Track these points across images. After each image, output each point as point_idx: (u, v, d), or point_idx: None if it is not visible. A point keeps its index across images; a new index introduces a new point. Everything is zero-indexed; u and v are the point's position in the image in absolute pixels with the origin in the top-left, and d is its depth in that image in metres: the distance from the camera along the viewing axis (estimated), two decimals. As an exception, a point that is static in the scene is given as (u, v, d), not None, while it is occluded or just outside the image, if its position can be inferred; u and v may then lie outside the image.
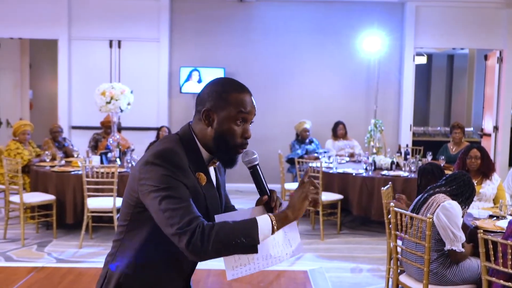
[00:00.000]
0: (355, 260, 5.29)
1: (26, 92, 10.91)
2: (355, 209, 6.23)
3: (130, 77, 8.79)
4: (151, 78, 8.91)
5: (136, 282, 1.76)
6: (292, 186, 6.96)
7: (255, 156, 1.78)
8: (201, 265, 4.87)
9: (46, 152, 6.57)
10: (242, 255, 1.69)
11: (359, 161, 7.13)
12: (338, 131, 8.03)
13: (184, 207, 1.60)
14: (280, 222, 1.65)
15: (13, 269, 4.82)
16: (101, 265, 4.76)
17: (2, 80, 9.81)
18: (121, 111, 6.61)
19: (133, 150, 6.82)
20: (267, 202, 1.80)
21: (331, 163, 6.77)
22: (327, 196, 6.15)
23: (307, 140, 7.77)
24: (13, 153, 6.42)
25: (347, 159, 7.50)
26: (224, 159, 1.77)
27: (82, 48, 8.92)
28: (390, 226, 3.70)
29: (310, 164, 6.55)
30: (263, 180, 1.79)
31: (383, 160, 6.70)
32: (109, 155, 6.65)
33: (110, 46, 8.91)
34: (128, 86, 6.85)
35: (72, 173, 5.94)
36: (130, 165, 6.22)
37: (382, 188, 4.20)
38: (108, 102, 6.44)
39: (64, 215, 5.89)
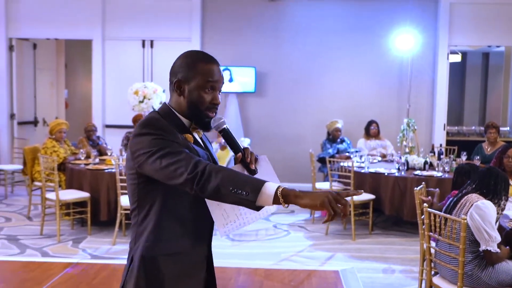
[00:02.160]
0: (387, 260, 5.24)
1: (62, 91, 11.15)
2: (387, 209, 6.17)
3: (162, 76, 8.88)
4: (183, 77, 8.97)
5: (158, 253, 1.82)
6: (323, 185, 6.93)
7: (222, 120, 1.88)
8: (232, 264, 4.91)
9: (81, 150, 6.70)
10: (230, 212, 1.78)
11: (392, 161, 7.05)
12: (371, 130, 7.95)
13: (185, 157, 1.68)
14: (287, 197, 1.61)
15: (49, 264, 4.94)
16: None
17: (39, 79, 10.04)
18: (154, 110, 6.71)
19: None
20: (242, 159, 1.88)
21: (363, 162, 6.71)
22: (358, 196, 6.09)
23: (339, 139, 7.72)
24: (50, 151, 6.57)
25: (379, 158, 7.42)
26: (198, 124, 1.89)
27: (115, 48, 9.07)
28: (424, 226, 3.65)
29: (342, 164, 6.51)
30: (234, 140, 1.89)
31: (416, 160, 6.61)
32: (142, 153, 6.72)
33: (143, 45, 9.02)
34: (160, 85, 6.94)
35: (106, 171, 6.04)
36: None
37: (415, 188, 4.14)
38: (141, 101, 6.54)
39: (98, 212, 6.00)
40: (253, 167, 1.87)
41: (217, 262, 5.15)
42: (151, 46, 9.01)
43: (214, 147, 7.01)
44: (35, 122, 9.96)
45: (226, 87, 8.69)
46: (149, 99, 6.53)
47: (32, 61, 9.82)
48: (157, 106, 6.64)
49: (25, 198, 7.73)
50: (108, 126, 9.15)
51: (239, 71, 8.70)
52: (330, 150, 7.57)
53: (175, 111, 1.88)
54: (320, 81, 8.98)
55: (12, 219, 6.66)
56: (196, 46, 8.88)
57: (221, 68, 1.91)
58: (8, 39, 9.14)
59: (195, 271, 1.92)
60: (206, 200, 1.77)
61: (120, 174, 5.57)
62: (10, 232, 6.06)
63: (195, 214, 1.83)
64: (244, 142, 7.42)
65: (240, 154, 1.88)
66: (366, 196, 6.15)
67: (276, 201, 1.60)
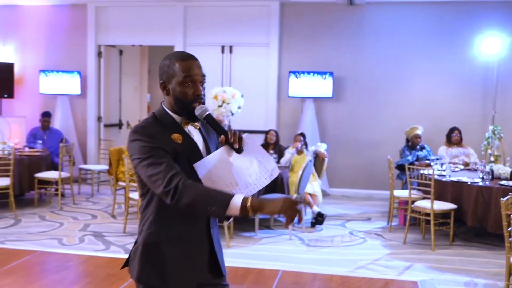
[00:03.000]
0: (469, 273, 5.03)
1: (145, 95, 11.61)
2: (469, 219, 5.92)
3: (240, 81, 9.04)
4: (260, 82, 9.10)
5: (159, 239, 2.00)
6: (402, 193, 6.77)
7: (204, 108, 2.01)
8: (308, 269, 4.90)
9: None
10: (226, 190, 1.93)
11: (475, 170, 6.77)
12: (453, 137, 7.67)
13: (163, 169, 1.87)
14: (253, 207, 1.79)
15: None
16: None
17: (124, 84, 10.52)
18: (232, 114, 6.83)
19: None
20: (226, 140, 2.00)
21: (444, 170, 6.49)
22: (439, 205, 5.91)
23: (418, 146, 7.51)
24: (133, 153, 6.84)
25: (461, 167, 7.15)
26: (187, 116, 2.04)
27: (195, 54, 9.15)
28: (511, 239, 3.48)
29: (422, 171, 6.33)
30: (218, 124, 2.03)
31: (502, 169, 6.30)
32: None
33: (222, 51, 9.22)
34: (238, 90, 7.06)
35: (186, 173, 6.21)
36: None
37: (502, 198, 3.96)
38: (220, 106, 6.68)
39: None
40: (236, 146, 1.99)
41: (291, 267, 5.20)
42: (230, 51, 9.19)
43: (291, 151, 7.03)
44: (119, 125, 10.44)
45: (303, 91, 8.70)
46: (227, 104, 6.66)
47: (118, 67, 10.30)
48: (235, 111, 6.76)
49: (110, 197, 8.12)
50: (187, 130, 9.40)
51: (316, 77, 8.69)
52: (410, 157, 7.38)
53: (168, 110, 2.06)
54: (399, 86, 8.79)
55: (97, 217, 7.01)
56: (274, 52, 8.97)
57: (199, 63, 2.04)
58: (97, 46, 9.65)
59: (197, 252, 2.05)
60: (203, 181, 1.96)
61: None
62: (96, 229, 6.39)
63: (196, 210, 1.95)
64: (320, 147, 7.39)
65: (223, 136, 2.01)
66: (447, 206, 5.94)
67: (243, 212, 1.78)
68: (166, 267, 2.01)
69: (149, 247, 2.02)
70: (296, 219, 1.79)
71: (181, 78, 1.99)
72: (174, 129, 2.02)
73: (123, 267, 2.15)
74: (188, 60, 2.01)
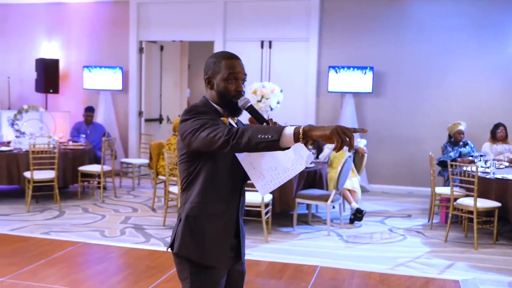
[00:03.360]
0: (513, 273, 4.89)
1: (185, 90, 11.73)
2: (514, 218, 5.75)
3: (279, 76, 9.03)
4: (299, 77, 9.06)
5: (200, 213, 2.19)
6: (444, 190, 6.63)
7: (246, 99, 2.19)
8: (346, 266, 4.86)
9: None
10: (266, 173, 2.11)
11: (521, 167, 6.56)
12: (498, 134, 7.46)
13: (221, 126, 2.02)
14: (305, 130, 1.87)
15: (171, 254, 5.21)
16: (250, 257, 4.96)
17: (164, 79, 10.66)
18: (271, 109, 6.82)
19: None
20: None
21: (488, 167, 6.31)
22: (482, 203, 5.76)
23: (461, 143, 7.33)
24: (173, 147, 6.94)
25: (506, 164, 6.93)
26: (229, 110, 2.23)
27: (235, 49, 9.35)
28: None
29: (464, 168, 6.18)
30: (259, 113, 2.19)
31: (549, 166, 6.09)
32: (259, 151, 6.88)
33: (262, 46, 9.23)
34: (278, 85, 7.05)
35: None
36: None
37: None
38: (259, 101, 6.69)
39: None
40: None
41: (330, 263, 5.16)
42: (270, 46, 9.18)
43: (330, 147, 6.98)
44: (160, 120, 10.59)
45: (343, 87, 8.62)
46: (266, 99, 6.66)
47: (159, 62, 10.44)
48: (274, 106, 6.76)
49: (150, 191, 8.26)
50: (226, 125, 9.46)
51: (357, 72, 8.59)
52: (452, 154, 7.21)
53: (211, 102, 2.24)
54: (442, 81, 8.59)
55: (138, 210, 7.14)
56: (313, 47, 8.91)
57: (242, 62, 2.23)
58: (138, 42, 9.81)
59: (227, 231, 2.25)
60: (243, 165, 2.14)
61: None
62: (136, 221, 6.51)
63: (231, 183, 2.22)
64: (360, 143, 7.31)
65: (265, 124, 2.14)
66: (491, 204, 5.79)
67: (296, 138, 1.87)
68: (205, 243, 2.20)
69: (191, 220, 2.20)
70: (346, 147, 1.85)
71: (225, 74, 2.18)
72: (218, 116, 2.20)
73: (168, 247, 2.30)
74: (233, 59, 2.21)
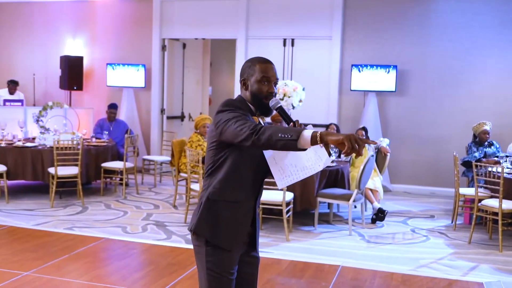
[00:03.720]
0: (539, 277, 4.79)
1: (206, 88, 11.76)
2: (541, 220, 5.63)
3: (302, 74, 8.99)
4: (322, 76, 9.01)
5: (220, 198, 2.36)
6: (468, 191, 6.53)
7: (277, 100, 2.40)
8: (368, 266, 4.82)
9: (223, 145, 7.00)
10: (286, 169, 2.31)
11: (548, 168, 6.42)
12: (523, 134, 7.31)
13: (249, 122, 2.18)
14: (322, 135, 2.01)
15: (192, 251, 5.23)
16: (271, 255, 4.96)
17: (187, 77, 10.70)
18: (293, 107, 6.80)
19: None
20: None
21: (514, 168, 6.20)
22: (507, 204, 5.65)
23: (486, 143, 7.20)
24: (195, 145, 6.97)
25: (533, 165, 6.80)
26: (261, 109, 2.42)
27: (257, 47, 9.35)
28: None
29: (490, 169, 6.08)
30: (288, 115, 2.39)
31: None
32: (280, 150, 6.86)
33: (284, 44, 9.20)
34: (300, 83, 7.02)
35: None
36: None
37: None
38: (281, 99, 6.67)
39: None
40: None
41: (351, 263, 5.13)
42: (292, 44, 9.15)
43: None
44: (181, 117, 10.63)
45: (365, 85, 8.55)
46: (289, 97, 6.64)
47: (181, 60, 10.49)
48: (296, 104, 6.73)
49: (172, 188, 8.30)
50: (248, 123, 9.45)
51: (379, 70, 8.51)
52: (477, 154, 7.10)
53: (246, 101, 2.43)
54: (467, 80, 8.46)
55: (159, 207, 7.19)
56: (336, 45, 8.85)
57: (275, 67, 2.43)
58: (161, 40, 9.86)
59: (244, 219, 2.42)
60: (267, 159, 2.33)
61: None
62: (158, 218, 6.55)
63: (252, 175, 2.39)
64: (383, 142, 7.24)
65: (292, 124, 2.35)
66: (516, 205, 5.68)
67: (313, 141, 2.01)
68: (220, 225, 2.36)
69: (210, 203, 2.37)
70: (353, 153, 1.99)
71: (259, 77, 2.38)
72: (251, 114, 2.41)
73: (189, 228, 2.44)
74: (266, 63, 2.42)
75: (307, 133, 2.03)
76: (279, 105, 2.39)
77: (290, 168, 2.32)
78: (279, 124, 7.45)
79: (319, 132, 2.02)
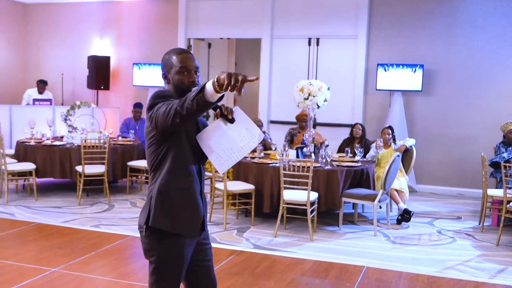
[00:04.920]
0: None
1: (231, 88, 11.79)
2: None
3: (327, 73, 8.95)
4: (347, 75, 8.96)
5: (171, 188, 2.40)
6: (496, 192, 6.42)
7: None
8: (393, 267, 4.77)
9: (248, 144, 7.02)
10: (223, 154, 2.40)
11: None
12: (554, 135, 7.15)
13: (174, 101, 2.21)
14: (216, 79, 2.10)
15: (216, 250, 5.26)
16: (295, 255, 4.94)
17: (212, 76, 10.74)
18: (318, 107, 6.77)
19: (327, 145, 6.92)
20: (221, 113, 2.41)
21: (544, 169, 6.07)
22: (537, 206, 5.54)
23: (515, 143, 7.07)
24: (219, 144, 6.99)
25: None
26: None
27: (282, 46, 9.34)
28: None
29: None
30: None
31: None
32: (305, 149, 6.86)
33: (309, 43, 9.17)
34: (325, 83, 6.98)
35: (270, 165, 6.26)
36: (324, 160, 6.35)
37: None
38: (306, 98, 6.64)
39: (261, 204, 6.24)
40: (230, 117, 2.39)
41: (376, 264, 5.08)
42: (317, 44, 9.11)
43: (376, 146, 6.86)
44: (206, 116, 10.68)
45: (391, 85, 8.46)
46: (314, 96, 6.61)
47: (207, 60, 10.55)
48: (321, 104, 6.71)
49: (196, 187, 8.34)
50: (272, 122, 9.48)
51: (406, 70, 8.42)
52: (505, 154, 6.97)
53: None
54: (495, 79, 8.31)
55: (185, 205, 7.23)
56: (362, 44, 8.79)
57: (193, 56, 2.45)
58: (187, 39, 9.93)
59: (195, 202, 2.47)
60: (203, 149, 2.42)
61: (284, 169, 5.73)
62: (183, 217, 6.59)
63: (194, 161, 2.45)
64: (408, 141, 7.15)
65: (218, 110, 2.40)
66: (546, 207, 5.56)
67: (214, 87, 2.08)
68: (176, 214, 2.41)
69: (162, 195, 2.39)
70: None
71: (178, 68, 2.40)
72: None
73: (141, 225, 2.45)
74: (183, 53, 2.44)
75: (208, 83, 2.12)
76: None
77: (227, 152, 2.40)
78: (303, 124, 7.45)
79: (215, 78, 2.13)
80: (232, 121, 2.39)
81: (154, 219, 2.39)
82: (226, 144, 2.40)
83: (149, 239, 2.42)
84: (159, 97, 2.35)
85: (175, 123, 2.21)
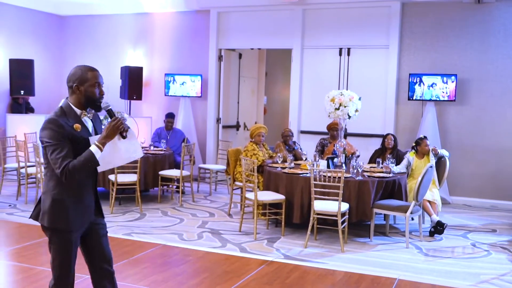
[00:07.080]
0: None
1: (261, 98, 11.84)
2: None
3: (358, 83, 8.91)
4: (378, 85, 8.89)
5: (63, 194, 2.86)
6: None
7: (107, 104, 2.96)
8: (426, 280, 4.63)
9: (278, 154, 7.04)
10: (111, 161, 2.98)
11: None
12: None
13: (62, 156, 2.74)
14: (102, 143, 2.81)
15: (247, 259, 5.28)
16: (325, 266, 4.91)
17: (242, 87, 10.82)
18: (349, 117, 6.73)
19: (358, 156, 6.87)
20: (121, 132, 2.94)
21: None
22: None
23: (553, 155, 6.89)
24: (250, 154, 7.02)
25: None
26: (94, 108, 2.96)
27: (313, 56, 9.34)
28: None
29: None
30: (113, 112, 2.96)
31: None
32: (335, 160, 6.83)
33: (340, 53, 9.15)
34: (356, 93, 6.95)
35: (301, 175, 6.25)
36: (355, 170, 6.30)
37: None
38: (337, 109, 6.61)
39: (291, 215, 6.23)
40: (124, 134, 2.93)
41: (409, 276, 5.01)
42: (348, 54, 9.09)
43: (409, 157, 6.77)
44: (237, 126, 10.74)
45: (423, 94, 8.36)
46: (345, 107, 6.58)
47: (237, 70, 10.62)
48: (352, 114, 6.67)
49: (226, 196, 8.38)
50: (303, 132, 9.46)
51: (438, 79, 8.31)
52: (542, 166, 6.80)
53: (72, 106, 2.91)
54: (532, 89, 8.12)
55: (215, 215, 7.27)
56: (393, 54, 8.72)
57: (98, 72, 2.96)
58: (218, 50, 10.02)
59: (89, 203, 2.99)
60: (103, 170, 3.00)
61: (314, 180, 5.71)
62: (213, 226, 6.63)
63: (85, 174, 2.88)
64: (443, 151, 7.04)
65: (114, 118, 2.91)
66: None
67: (100, 149, 2.79)
68: (69, 215, 2.86)
69: (56, 202, 2.85)
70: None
71: (93, 82, 2.89)
72: (75, 119, 2.89)
73: (31, 217, 2.96)
74: (96, 71, 2.94)
75: (93, 147, 2.77)
76: (109, 107, 2.96)
77: (117, 161, 3.05)
78: (334, 134, 7.42)
79: (96, 141, 2.78)
80: (124, 137, 2.95)
81: (50, 221, 2.88)
82: (117, 156, 2.99)
83: (47, 232, 2.93)
84: (50, 123, 2.78)
85: (61, 178, 2.76)
